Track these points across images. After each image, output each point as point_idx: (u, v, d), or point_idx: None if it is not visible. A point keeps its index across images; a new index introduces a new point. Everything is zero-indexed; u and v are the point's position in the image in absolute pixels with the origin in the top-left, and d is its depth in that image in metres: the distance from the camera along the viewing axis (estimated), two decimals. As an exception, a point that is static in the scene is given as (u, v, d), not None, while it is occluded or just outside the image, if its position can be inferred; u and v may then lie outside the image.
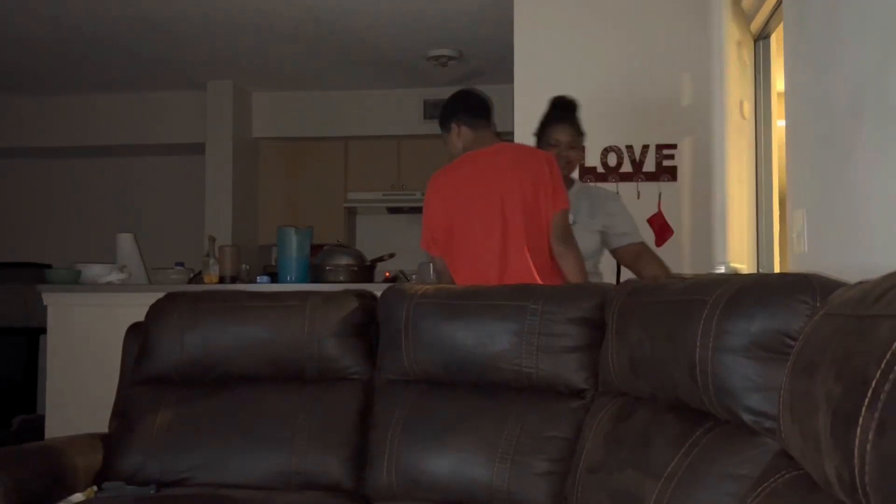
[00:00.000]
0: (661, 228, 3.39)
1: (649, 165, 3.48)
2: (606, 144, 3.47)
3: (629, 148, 3.46)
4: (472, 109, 2.90)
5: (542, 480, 1.94)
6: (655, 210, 3.39)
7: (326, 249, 4.92)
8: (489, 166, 2.77)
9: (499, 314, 2.14)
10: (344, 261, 4.52)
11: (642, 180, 3.45)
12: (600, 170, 3.47)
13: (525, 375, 2.09)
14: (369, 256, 4.63)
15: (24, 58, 5.21)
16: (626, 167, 3.47)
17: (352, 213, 6.23)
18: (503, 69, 4.06)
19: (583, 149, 2.85)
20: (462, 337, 2.15)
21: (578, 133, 2.82)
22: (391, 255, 5.15)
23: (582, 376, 2.03)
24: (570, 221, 2.72)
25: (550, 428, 1.99)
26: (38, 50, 5.04)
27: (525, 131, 3.58)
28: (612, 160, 3.47)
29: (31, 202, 6.76)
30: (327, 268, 4.53)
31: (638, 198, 3.44)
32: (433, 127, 5.87)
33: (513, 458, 1.98)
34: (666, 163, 3.46)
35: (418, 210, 5.96)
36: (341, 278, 4.43)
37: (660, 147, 3.47)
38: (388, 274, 5.21)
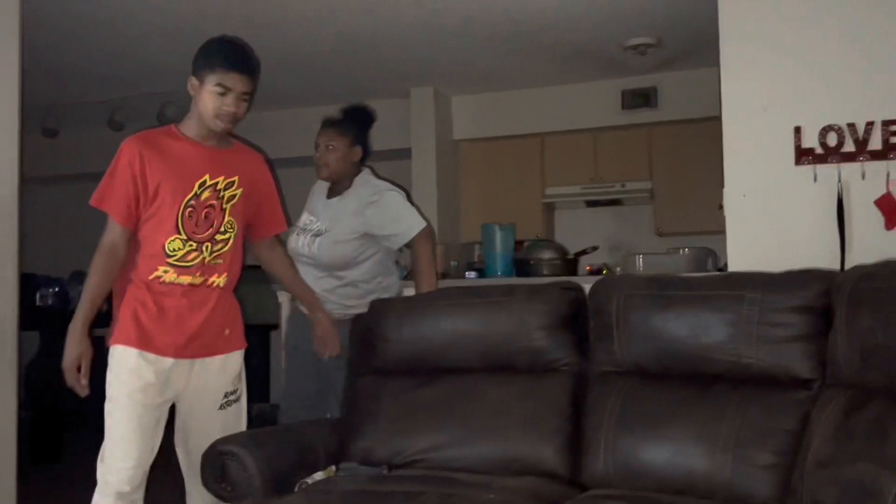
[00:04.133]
0: (892, 211, 3.12)
1: (875, 143, 3.21)
2: (825, 124, 3.23)
3: (851, 126, 3.20)
4: None
5: (767, 473, 1.88)
6: (884, 191, 3.13)
7: (529, 244, 5.01)
8: None
9: (712, 305, 2.10)
10: (547, 255, 4.57)
11: (867, 160, 3.20)
12: (819, 151, 3.25)
13: (744, 366, 2.03)
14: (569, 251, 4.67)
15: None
16: (849, 147, 3.22)
17: (549, 208, 6.25)
18: (707, 52, 3.91)
19: (337, 150, 3.08)
20: (674, 328, 2.14)
21: (337, 135, 3.05)
22: (594, 248, 5.13)
23: (807, 366, 1.94)
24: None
25: (774, 420, 1.93)
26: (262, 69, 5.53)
27: (734, 117, 3.42)
28: (832, 140, 3.22)
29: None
30: (531, 262, 4.60)
31: (863, 179, 3.19)
32: (632, 117, 5.84)
33: (734, 449, 1.93)
34: (894, 140, 3.18)
35: (617, 203, 5.92)
36: (545, 272, 4.49)
37: (887, 123, 3.18)
38: (588, 268, 5.19)
